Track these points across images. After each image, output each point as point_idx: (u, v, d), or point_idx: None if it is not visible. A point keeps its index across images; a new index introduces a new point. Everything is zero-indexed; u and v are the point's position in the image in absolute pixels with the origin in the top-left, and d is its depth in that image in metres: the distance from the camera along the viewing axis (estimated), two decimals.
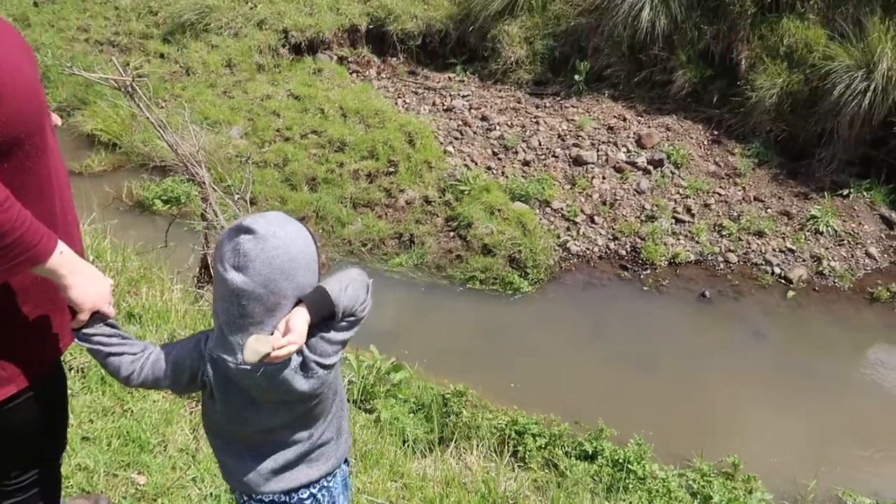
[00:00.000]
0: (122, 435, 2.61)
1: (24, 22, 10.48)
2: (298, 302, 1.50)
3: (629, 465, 4.71)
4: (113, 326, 1.60)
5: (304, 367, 1.53)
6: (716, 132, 8.03)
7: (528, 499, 2.56)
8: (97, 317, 1.54)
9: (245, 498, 1.72)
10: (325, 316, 1.51)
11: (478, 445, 4.83)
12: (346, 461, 1.84)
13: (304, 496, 1.71)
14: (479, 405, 5.31)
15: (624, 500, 4.49)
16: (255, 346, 1.42)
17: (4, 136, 1.30)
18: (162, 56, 9.77)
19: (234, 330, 1.49)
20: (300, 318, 1.48)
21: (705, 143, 7.95)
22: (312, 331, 1.51)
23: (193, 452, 2.60)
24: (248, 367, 1.46)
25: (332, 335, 1.55)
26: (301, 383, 1.55)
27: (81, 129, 8.35)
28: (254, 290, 1.45)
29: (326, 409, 1.69)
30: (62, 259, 1.42)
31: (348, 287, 1.54)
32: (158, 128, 4.16)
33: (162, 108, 8.80)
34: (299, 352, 1.51)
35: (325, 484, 1.75)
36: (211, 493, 2.43)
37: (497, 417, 5.19)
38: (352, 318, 1.57)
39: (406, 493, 2.50)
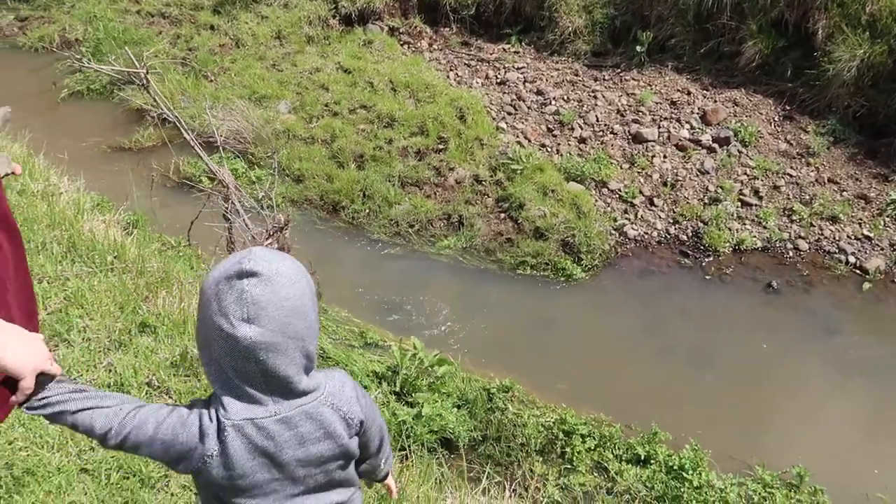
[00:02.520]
0: (123, 467, 2.45)
1: None
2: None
3: (684, 473, 4.43)
4: (66, 383, 1.39)
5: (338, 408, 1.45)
6: (787, 107, 7.49)
7: None
8: (42, 379, 1.33)
9: None
10: None
11: (523, 447, 4.63)
12: None
13: None
14: (526, 401, 5.09)
15: None
16: None
17: None
18: (212, 28, 9.65)
19: (257, 386, 1.34)
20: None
21: (776, 119, 7.43)
22: None
23: (197, 490, 2.43)
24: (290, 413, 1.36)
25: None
26: (340, 432, 1.46)
27: (131, 104, 8.30)
28: (271, 340, 1.29)
29: (352, 479, 1.55)
30: None
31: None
32: (178, 121, 3.96)
33: (211, 81, 8.70)
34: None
35: None
36: None
37: (544, 415, 4.96)
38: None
39: None
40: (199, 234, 5.44)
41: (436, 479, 2.81)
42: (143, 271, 3.57)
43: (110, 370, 2.91)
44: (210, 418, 1.36)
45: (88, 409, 1.36)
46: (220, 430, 1.34)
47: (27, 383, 1.31)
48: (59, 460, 2.43)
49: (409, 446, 4.11)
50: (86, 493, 2.33)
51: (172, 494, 2.40)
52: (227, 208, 4.14)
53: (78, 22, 10.08)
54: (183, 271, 3.59)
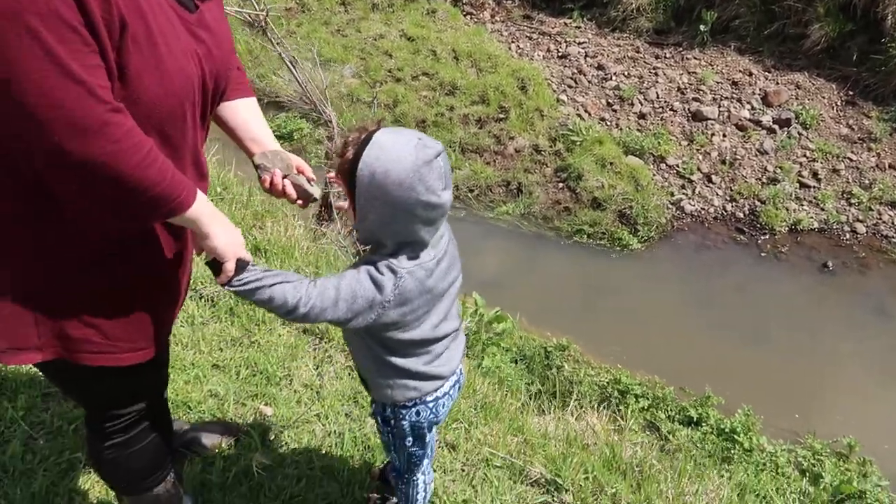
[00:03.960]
0: (250, 366, 2.69)
1: None
2: None
3: (735, 436, 4.56)
4: (256, 266, 1.58)
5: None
6: (851, 92, 7.47)
7: (654, 467, 2.50)
8: (241, 263, 1.52)
9: (423, 406, 1.81)
10: None
11: (580, 402, 4.80)
12: None
13: (460, 368, 1.89)
14: (581, 361, 5.24)
15: (727, 472, 4.36)
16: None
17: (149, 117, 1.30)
18: None
19: (432, 235, 1.62)
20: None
21: (838, 103, 7.42)
22: None
23: (318, 389, 2.65)
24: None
25: None
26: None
27: None
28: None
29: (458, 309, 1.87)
30: (203, 208, 1.42)
31: None
32: (290, 65, 4.17)
33: (279, 44, 8.90)
34: None
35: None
36: (335, 431, 2.48)
37: (599, 375, 5.11)
38: None
39: (527, 450, 2.48)
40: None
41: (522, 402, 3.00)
42: (247, 203, 3.81)
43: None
44: (381, 271, 1.58)
45: (279, 283, 1.55)
46: (398, 278, 1.58)
47: (230, 266, 1.50)
48: (193, 357, 2.67)
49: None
50: (220, 385, 2.56)
51: (296, 391, 2.62)
52: (329, 147, 4.35)
53: None
54: (283, 205, 3.81)
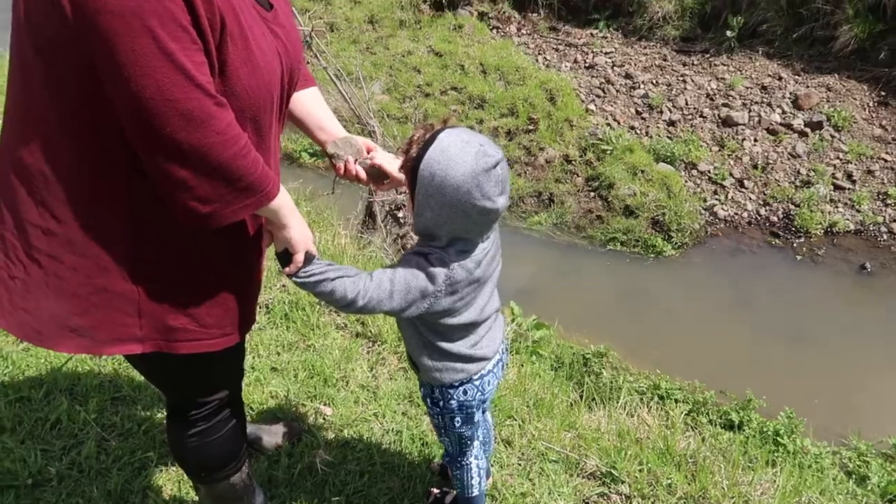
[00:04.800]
0: (308, 368, 2.77)
1: None
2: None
3: (779, 438, 4.55)
4: (321, 260, 1.68)
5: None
6: (883, 93, 7.44)
7: (708, 458, 2.53)
8: (309, 256, 1.62)
9: (469, 386, 1.89)
10: None
11: (625, 405, 4.81)
12: None
13: (504, 347, 2.00)
14: (620, 367, 5.26)
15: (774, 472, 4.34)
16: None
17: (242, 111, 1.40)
18: (306, 12, 10.04)
19: (482, 235, 1.72)
20: None
21: (870, 104, 7.39)
22: None
23: (374, 389, 2.73)
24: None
25: None
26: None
27: None
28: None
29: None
30: (284, 201, 1.52)
31: None
32: (334, 77, 4.28)
33: (309, 63, 9.09)
34: None
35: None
36: (393, 429, 2.55)
37: (638, 380, 5.12)
38: None
39: (581, 444, 2.53)
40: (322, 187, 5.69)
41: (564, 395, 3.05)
42: None
43: (283, 290, 3.26)
44: (432, 263, 1.67)
45: (341, 277, 1.64)
46: (450, 270, 1.67)
47: (300, 257, 1.60)
48: (252, 361, 2.76)
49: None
50: (280, 387, 2.65)
51: (353, 392, 2.70)
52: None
53: None
54: (329, 215, 3.91)
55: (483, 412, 2.04)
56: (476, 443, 2.05)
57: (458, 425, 1.96)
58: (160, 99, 1.23)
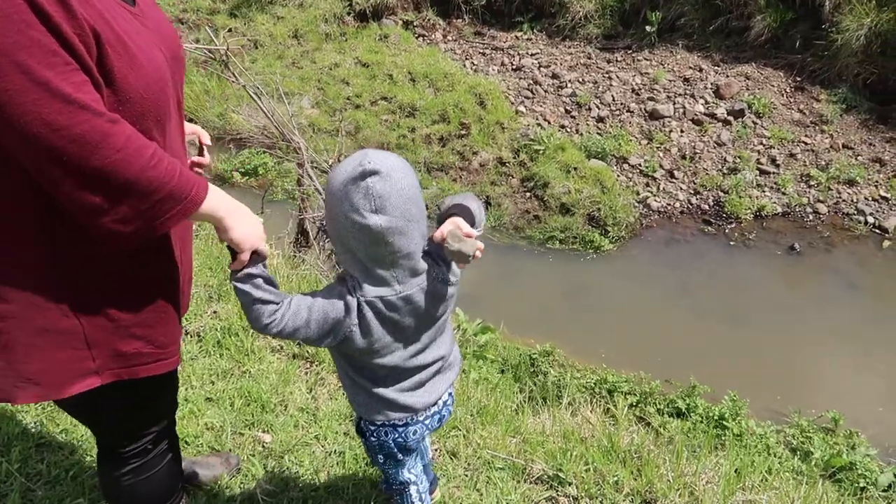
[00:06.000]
0: (244, 395, 2.69)
1: None
2: (449, 215, 1.63)
3: (724, 422, 4.63)
4: (265, 274, 1.61)
5: (445, 279, 1.66)
6: (798, 78, 7.71)
7: (652, 452, 2.54)
8: (255, 258, 1.54)
9: (391, 429, 1.79)
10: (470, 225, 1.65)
11: (569, 404, 4.83)
12: None
13: (444, 400, 1.86)
14: (567, 365, 5.29)
15: (720, 457, 4.42)
16: (462, 249, 1.55)
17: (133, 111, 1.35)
18: (230, 30, 9.87)
19: (386, 266, 1.58)
20: (466, 227, 1.61)
21: (788, 90, 7.64)
22: None
23: (314, 411, 2.66)
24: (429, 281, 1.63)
25: None
26: (448, 293, 1.68)
27: None
28: (396, 225, 1.53)
29: (449, 322, 1.81)
30: (217, 201, 1.45)
31: (479, 206, 1.71)
32: (255, 96, 4.20)
33: (232, 82, 8.93)
34: (446, 262, 1.65)
35: (451, 390, 1.90)
36: (335, 450, 2.48)
37: (585, 377, 5.15)
38: (478, 232, 1.68)
39: (527, 449, 2.51)
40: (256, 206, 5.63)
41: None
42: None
43: (214, 317, 3.16)
44: (351, 295, 1.60)
45: (265, 301, 1.57)
46: (359, 307, 1.60)
47: (244, 257, 1.53)
48: (185, 392, 2.66)
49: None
50: (215, 417, 2.56)
51: (292, 416, 2.62)
52: (300, 173, 4.39)
53: None
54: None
55: (413, 451, 1.94)
56: (405, 472, 1.97)
57: (381, 461, 1.91)
58: (47, 130, 1.18)
